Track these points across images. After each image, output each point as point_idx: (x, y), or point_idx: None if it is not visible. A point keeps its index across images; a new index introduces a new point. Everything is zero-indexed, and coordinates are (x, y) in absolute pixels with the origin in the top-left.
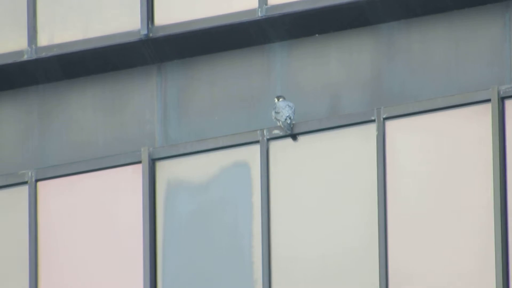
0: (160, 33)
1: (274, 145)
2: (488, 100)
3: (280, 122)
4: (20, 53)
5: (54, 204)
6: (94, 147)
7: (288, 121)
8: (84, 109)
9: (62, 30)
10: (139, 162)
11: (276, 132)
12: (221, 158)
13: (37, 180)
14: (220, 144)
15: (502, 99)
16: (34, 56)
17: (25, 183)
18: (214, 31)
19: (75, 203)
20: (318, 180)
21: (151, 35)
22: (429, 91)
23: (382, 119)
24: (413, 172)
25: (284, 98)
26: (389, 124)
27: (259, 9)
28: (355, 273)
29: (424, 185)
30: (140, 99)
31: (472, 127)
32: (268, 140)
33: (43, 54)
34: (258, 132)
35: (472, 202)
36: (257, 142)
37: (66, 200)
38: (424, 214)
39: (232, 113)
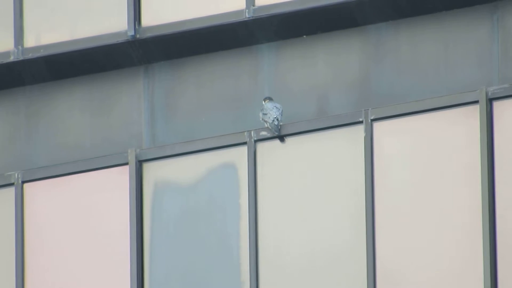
0: (147, 34)
1: (262, 147)
2: (476, 102)
3: (268, 123)
4: (6, 54)
5: (41, 206)
6: (81, 149)
7: (276, 123)
8: (71, 110)
9: (48, 31)
10: (126, 163)
11: (264, 133)
12: (208, 160)
13: (23, 182)
14: (208, 146)
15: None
16: (20, 57)
17: (11, 184)
18: (201, 32)
19: (62, 205)
20: (306, 182)
21: (138, 36)
22: (417, 93)
23: (369, 120)
24: (401, 174)
25: (271, 100)
26: (377, 126)
27: (247, 10)
28: (343, 275)
29: (412, 186)
30: (127, 100)
31: (461, 128)
32: (256, 141)
33: (30, 55)
34: (246, 133)
35: (460, 203)
36: (244, 143)
37: (53, 202)
38: (412, 215)
39: (219, 115)
